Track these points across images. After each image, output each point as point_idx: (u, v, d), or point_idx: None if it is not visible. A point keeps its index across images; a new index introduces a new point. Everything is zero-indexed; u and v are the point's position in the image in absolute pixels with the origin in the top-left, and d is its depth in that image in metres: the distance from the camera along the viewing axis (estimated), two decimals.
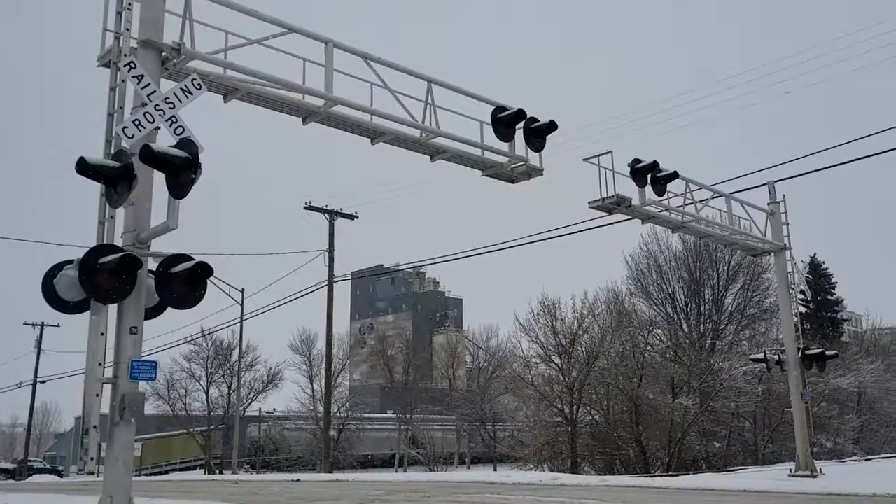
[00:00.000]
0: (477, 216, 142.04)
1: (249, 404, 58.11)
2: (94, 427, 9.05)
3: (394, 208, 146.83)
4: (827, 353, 22.24)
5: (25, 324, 55.58)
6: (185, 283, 9.59)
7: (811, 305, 59.09)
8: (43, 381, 55.83)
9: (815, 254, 59.84)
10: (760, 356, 22.22)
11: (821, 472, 20.52)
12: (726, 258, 42.83)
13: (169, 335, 66.59)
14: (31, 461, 57.46)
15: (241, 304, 39.85)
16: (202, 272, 9.58)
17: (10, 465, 57.20)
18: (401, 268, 71.45)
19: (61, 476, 46.72)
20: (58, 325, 54.87)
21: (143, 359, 9.59)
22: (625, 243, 70.06)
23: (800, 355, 21.11)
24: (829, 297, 60.48)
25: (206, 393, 55.32)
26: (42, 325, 55.23)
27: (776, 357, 21.50)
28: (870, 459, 31.94)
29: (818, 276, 60.06)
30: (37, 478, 44.10)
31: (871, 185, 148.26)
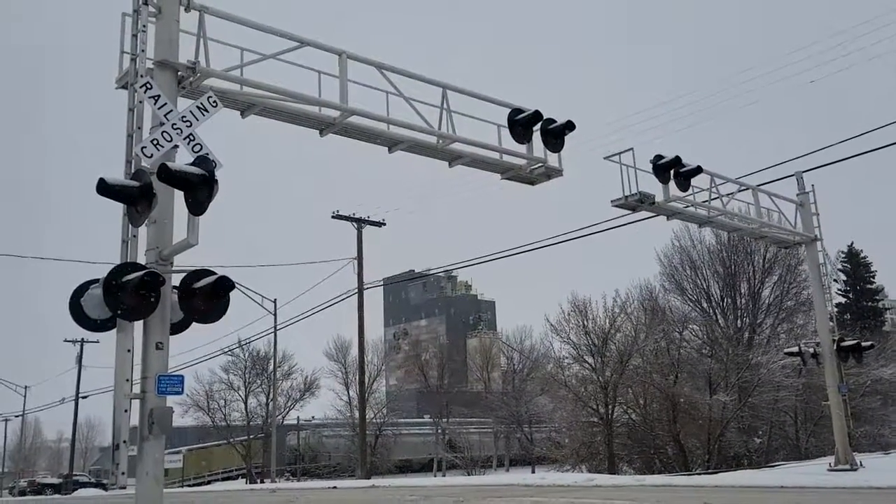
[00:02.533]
0: (506, 218, 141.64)
1: (287, 413, 58.66)
2: (124, 442, 9.22)
3: (421, 214, 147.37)
4: (863, 343, 21.83)
5: (66, 340, 56.73)
6: (207, 297, 9.73)
7: (850, 295, 58.07)
8: (85, 397, 56.98)
9: (852, 242, 58.85)
10: (795, 349, 21.89)
11: (861, 465, 20.15)
12: (762, 250, 42.16)
13: (206, 347, 67.60)
14: (76, 475, 58.60)
15: (275, 315, 40.26)
16: (224, 286, 9.72)
17: (56, 480, 58.39)
18: (432, 272, 71.46)
19: (106, 489, 47.51)
20: (97, 342, 55.91)
21: (169, 374, 9.76)
22: (657, 240, 69.49)
23: (835, 347, 20.76)
24: (869, 285, 59.39)
25: (245, 403, 55.97)
26: (82, 341, 56.32)
27: (811, 350, 21.17)
28: None
29: (857, 265, 59.02)
30: (82, 491, 44.86)
31: None
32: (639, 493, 16.69)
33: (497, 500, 17.16)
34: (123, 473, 9.22)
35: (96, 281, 9.50)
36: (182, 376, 9.88)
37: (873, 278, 59.44)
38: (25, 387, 65.63)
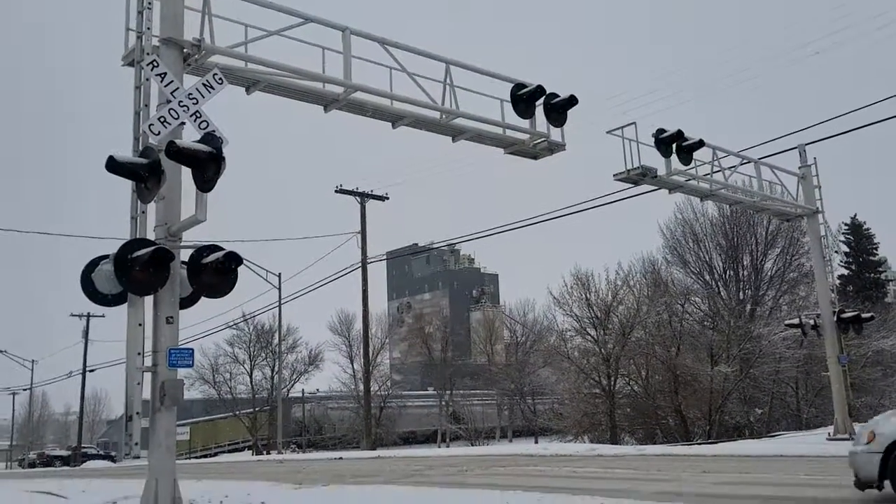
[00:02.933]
0: (510, 191, 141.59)
1: (292, 385, 59.24)
2: (137, 413, 9.47)
3: (424, 188, 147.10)
4: (863, 315, 22.03)
5: (72, 315, 57.18)
6: (216, 272, 9.93)
7: (853, 267, 58.12)
8: (92, 370, 57.57)
9: (855, 214, 58.74)
10: (796, 321, 22.10)
11: None
12: (764, 223, 42.19)
13: (211, 321, 68.07)
14: (84, 448, 59.41)
15: (279, 289, 40.52)
16: (232, 261, 9.91)
17: (64, 453, 59.21)
18: (435, 246, 71.73)
19: (114, 461, 48.20)
20: (103, 316, 56.32)
21: (180, 347, 9.97)
22: (660, 213, 69.46)
23: (835, 319, 20.96)
24: (872, 257, 59.37)
25: (250, 376, 56.52)
26: (88, 315, 56.74)
27: (812, 321, 21.37)
28: None
29: (860, 237, 58.98)
30: (90, 463, 45.55)
31: None
32: (639, 463, 16.99)
33: (500, 468, 17.50)
34: (137, 444, 9.48)
35: (107, 257, 9.68)
36: (192, 349, 10.11)
37: (876, 250, 59.44)
38: (33, 361, 66.28)
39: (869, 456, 8.90)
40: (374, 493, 12.81)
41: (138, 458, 10.86)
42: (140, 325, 9.63)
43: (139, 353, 9.55)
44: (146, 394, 9.71)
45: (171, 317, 9.88)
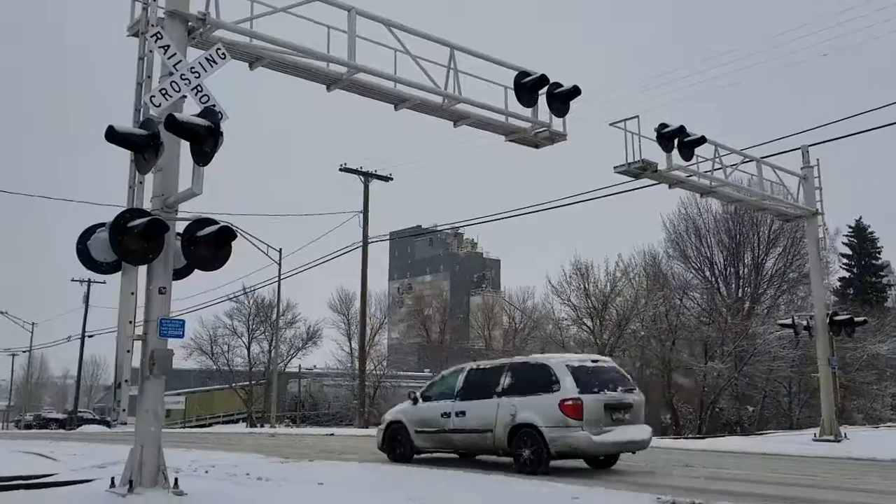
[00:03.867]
0: (518, 176, 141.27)
1: (290, 360, 59.53)
2: (126, 381, 9.62)
3: (430, 170, 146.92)
4: (856, 319, 22.12)
5: (73, 280, 57.53)
6: (210, 245, 10.01)
7: (855, 270, 58.06)
8: (91, 336, 58.03)
9: (860, 217, 58.57)
10: (788, 321, 22.19)
11: (845, 436, 20.59)
12: (768, 221, 42.14)
13: (211, 293, 68.38)
14: (80, 412, 59.99)
15: (279, 264, 40.69)
16: (226, 236, 10.00)
17: (61, 416, 59.81)
18: (438, 228, 71.80)
19: (109, 426, 48.66)
20: (104, 283, 56.64)
21: (171, 317, 10.11)
22: (664, 206, 69.49)
23: (828, 321, 21.05)
24: (874, 261, 59.26)
25: (248, 349, 56.85)
26: (89, 281, 57.08)
27: (804, 323, 21.47)
28: None
29: (863, 240, 58.84)
30: (86, 428, 46.12)
31: None
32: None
33: None
34: (124, 410, 9.64)
35: (103, 225, 9.80)
36: (183, 320, 10.23)
37: (879, 254, 59.31)
38: (33, 323, 66.73)
39: (379, 432, 15.13)
40: (357, 470, 13.02)
41: (125, 423, 11.04)
42: (133, 293, 9.75)
43: (130, 322, 9.69)
44: (137, 362, 9.88)
45: (164, 287, 10.01)
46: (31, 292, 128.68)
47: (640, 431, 12.78)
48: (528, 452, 12.30)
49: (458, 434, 13.50)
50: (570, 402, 11.96)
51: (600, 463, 13.51)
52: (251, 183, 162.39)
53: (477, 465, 13.51)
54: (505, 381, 13.21)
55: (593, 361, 13.44)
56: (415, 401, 14.73)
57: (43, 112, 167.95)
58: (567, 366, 12.63)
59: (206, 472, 12.34)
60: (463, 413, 13.47)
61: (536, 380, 12.76)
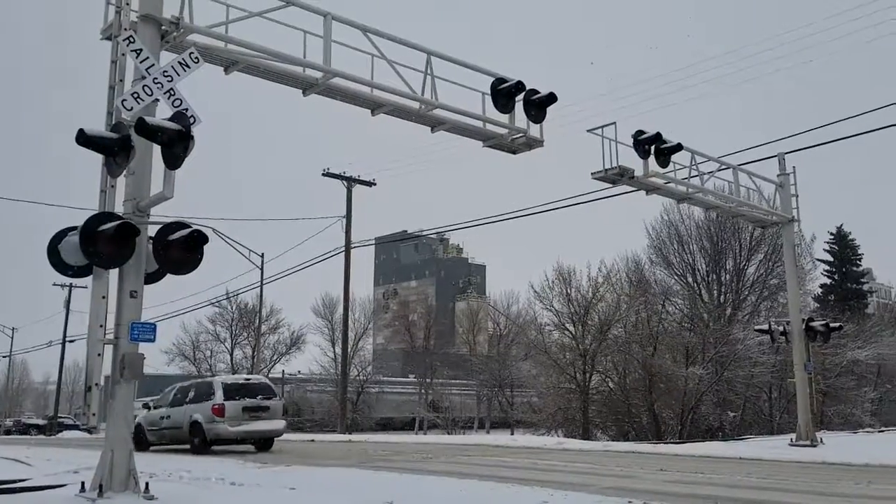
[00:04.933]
0: (504, 182, 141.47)
1: (273, 366, 59.36)
2: (96, 385, 9.60)
3: (415, 176, 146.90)
4: (832, 325, 22.33)
5: (55, 284, 56.99)
6: (182, 249, 10.02)
7: (836, 276, 58.55)
8: (72, 341, 57.50)
9: (842, 224, 59.13)
10: (765, 327, 22.36)
11: (821, 441, 20.74)
12: (749, 228, 42.45)
13: (194, 297, 68.07)
14: (61, 418, 59.44)
15: (262, 269, 40.58)
16: (198, 240, 10.01)
17: (41, 421, 59.25)
18: (424, 233, 71.86)
19: (91, 433, 48.28)
20: (85, 287, 56.12)
21: (142, 321, 10.08)
22: (648, 212, 69.74)
23: (804, 327, 21.24)
24: (855, 268, 59.79)
25: (231, 354, 56.65)
26: (70, 286, 56.65)
27: (781, 328, 21.65)
28: (882, 431, 31.99)
29: (844, 247, 59.37)
30: (66, 433, 45.66)
31: None
32: (602, 458, 17.24)
33: (465, 457, 17.72)
34: (94, 415, 9.61)
35: (74, 228, 9.78)
36: (154, 325, 10.21)
37: (860, 261, 59.88)
38: (13, 328, 66.17)
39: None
40: (329, 475, 13.01)
41: (95, 427, 10.99)
42: (104, 297, 9.74)
43: (101, 326, 9.67)
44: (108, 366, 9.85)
45: (136, 291, 9.98)
46: (11, 297, 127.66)
47: (271, 424, 19.68)
48: (197, 440, 19.01)
49: (168, 430, 20.44)
50: (217, 406, 18.77)
51: (261, 446, 20.13)
52: (235, 187, 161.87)
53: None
54: (191, 394, 20.02)
55: (245, 380, 20.71)
56: (148, 409, 21.71)
57: (21, 115, 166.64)
58: (222, 383, 19.83)
59: (181, 476, 12.29)
60: (169, 416, 20.34)
61: (205, 392, 19.54)
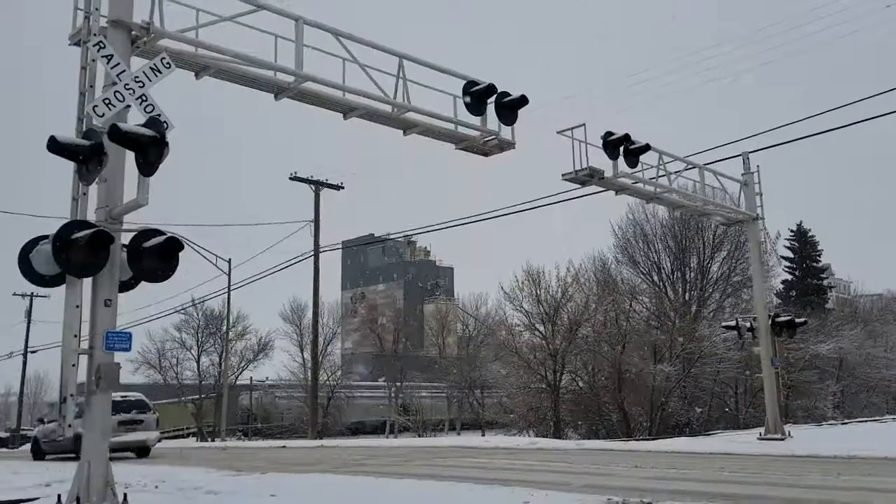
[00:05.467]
0: (471, 184, 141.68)
1: (241, 373, 58.70)
2: (71, 395, 9.45)
3: (380, 180, 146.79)
4: (796, 320, 22.79)
5: (15, 294, 55.86)
6: (156, 256, 9.89)
7: (797, 273, 59.67)
8: (34, 351, 56.42)
9: (801, 221, 60.29)
10: (732, 323, 22.76)
11: (789, 435, 21.16)
12: (712, 226, 43.08)
13: (159, 305, 67.12)
14: (24, 430, 58.15)
15: (229, 275, 40.21)
16: (173, 247, 9.90)
17: (3, 434, 57.92)
18: (391, 237, 71.73)
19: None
20: (47, 297, 55.15)
21: (117, 330, 9.95)
22: (614, 212, 70.47)
23: (770, 322, 21.65)
24: (815, 264, 60.94)
25: (198, 362, 55.87)
26: (32, 295, 55.52)
27: (748, 324, 22.04)
28: (846, 423, 32.67)
29: (804, 244, 60.51)
30: (29, 446, 44.71)
31: (868, 153, 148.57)
32: (576, 457, 17.40)
33: (440, 460, 17.75)
34: (70, 426, 9.47)
35: (46, 237, 9.61)
36: (130, 333, 10.09)
37: (820, 257, 61.03)
38: None
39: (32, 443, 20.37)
40: (307, 481, 12.94)
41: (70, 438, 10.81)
42: (77, 306, 9.58)
43: (76, 336, 9.52)
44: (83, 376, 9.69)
45: (110, 300, 9.85)
46: None
47: (145, 435, 22.42)
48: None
49: (58, 442, 21.83)
50: None
51: (139, 454, 22.64)
52: (200, 192, 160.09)
53: None
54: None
55: (122, 397, 21.90)
56: (42, 422, 25.02)
57: None
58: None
59: (156, 486, 12.14)
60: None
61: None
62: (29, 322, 55.97)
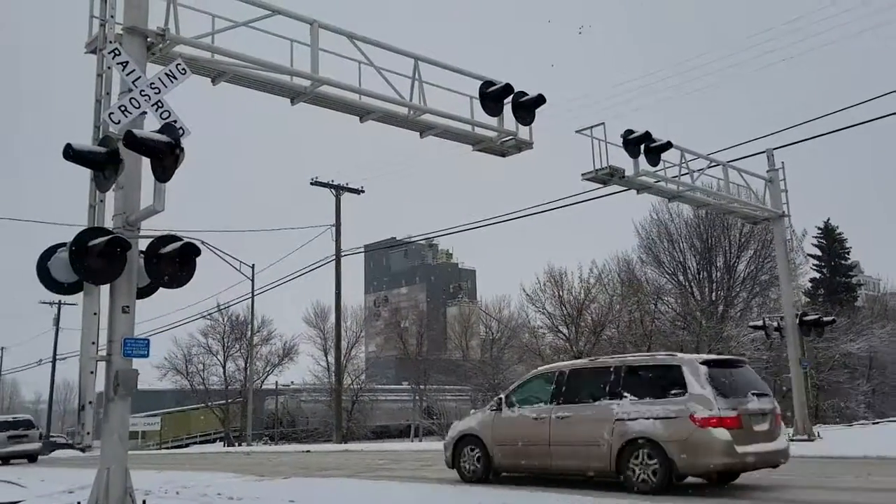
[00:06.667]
0: (493, 186, 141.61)
1: (266, 377, 58.94)
2: (90, 403, 9.46)
3: (403, 182, 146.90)
4: (824, 319, 22.38)
5: (42, 302, 56.58)
6: (173, 262, 9.86)
7: (825, 271, 58.81)
8: (63, 359, 57.06)
9: (829, 218, 59.39)
10: (759, 323, 22.39)
11: (818, 436, 20.77)
12: (738, 224, 42.57)
13: (184, 310, 67.67)
14: (52, 437, 58.79)
15: (252, 280, 40.42)
16: (190, 252, 9.88)
17: (63, 439, 58.50)
18: (413, 240, 71.72)
19: (84, 451, 47.80)
20: (75, 304, 55.76)
21: (135, 337, 9.94)
22: (637, 211, 69.94)
23: (797, 322, 21.27)
24: (843, 261, 60.02)
25: (224, 367, 56.19)
26: (59, 303, 56.20)
27: (775, 324, 21.67)
28: (877, 423, 32.09)
29: (832, 241, 59.63)
30: (59, 452, 45.17)
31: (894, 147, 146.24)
32: None
33: None
34: (88, 433, 9.47)
35: (63, 244, 9.63)
36: (147, 340, 10.06)
37: (848, 254, 60.13)
38: (2, 347, 65.67)
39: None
40: (330, 486, 12.88)
41: (90, 446, 10.84)
42: (95, 314, 9.59)
43: (94, 343, 9.52)
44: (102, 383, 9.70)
45: (128, 306, 9.84)
46: (1, 315, 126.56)
47: (30, 446, 30.27)
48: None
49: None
50: None
51: (29, 459, 28.81)
52: (223, 199, 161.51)
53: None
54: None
55: (13, 418, 25.15)
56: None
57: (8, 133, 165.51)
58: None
59: (178, 492, 12.15)
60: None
61: None
62: (57, 330, 56.69)
